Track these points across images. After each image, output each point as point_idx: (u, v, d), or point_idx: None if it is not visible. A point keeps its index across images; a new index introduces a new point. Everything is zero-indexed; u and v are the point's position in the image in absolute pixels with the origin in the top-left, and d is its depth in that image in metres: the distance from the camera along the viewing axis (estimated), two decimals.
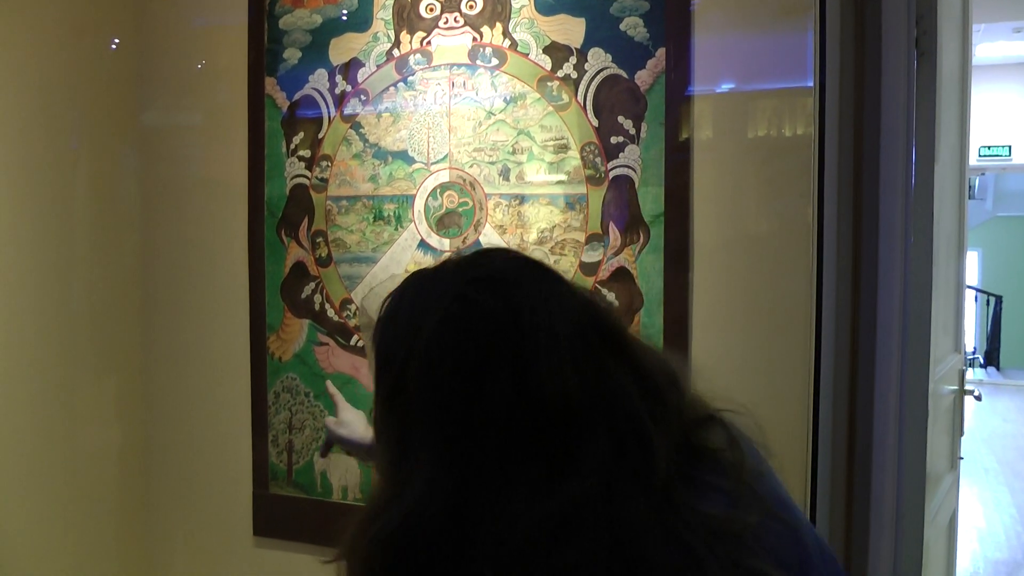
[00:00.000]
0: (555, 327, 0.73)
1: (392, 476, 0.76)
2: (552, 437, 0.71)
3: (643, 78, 1.72)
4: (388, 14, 1.90)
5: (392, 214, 1.91)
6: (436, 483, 0.71)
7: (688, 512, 0.71)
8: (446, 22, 1.86)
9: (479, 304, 0.74)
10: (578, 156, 1.77)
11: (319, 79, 1.96)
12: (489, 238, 1.83)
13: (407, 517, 0.71)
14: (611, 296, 1.75)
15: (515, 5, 1.80)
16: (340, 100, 1.95)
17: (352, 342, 1.96)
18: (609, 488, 0.70)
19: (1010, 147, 7.98)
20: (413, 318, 0.77)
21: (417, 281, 0.81)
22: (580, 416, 0.72)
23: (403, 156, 1.90)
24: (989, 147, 7.96)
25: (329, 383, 1.60)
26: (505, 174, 1.82)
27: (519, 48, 1.80)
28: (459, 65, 1.85)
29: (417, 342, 0.75)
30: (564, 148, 1.77)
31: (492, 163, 1.83)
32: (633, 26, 1.72)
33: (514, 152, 1.81)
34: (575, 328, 0.75)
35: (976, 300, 11.09)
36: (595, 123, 1.75)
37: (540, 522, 0.68)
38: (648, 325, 1.72)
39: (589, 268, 1.77)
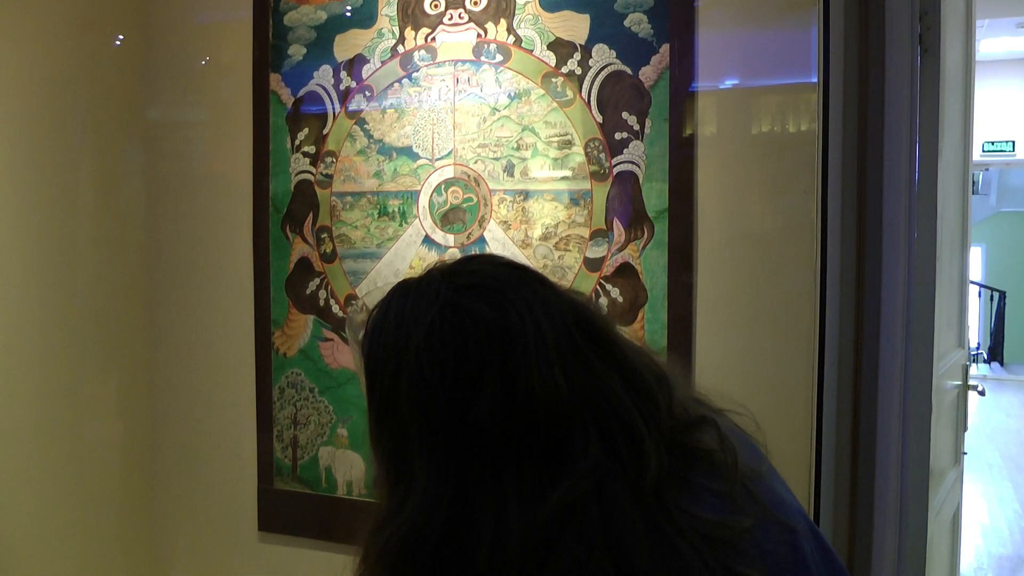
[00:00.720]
0: (543, 331, 0.73)
1: (392, 486, 0.76)
2: (543, 441, 0.71)
3: (647, 74, 1.72)
4: (393, 10, 1.90)
5: (397, 210, 1.92)
6: (433, 493, 0.71)
7: (681, 516, 0.70)
8: (451, 18, 1.86)
9: (467, 311, 0.74)
10: (582, 152, 1.77)
11: (324, 75, 1.97)
12: (493, 234, 1.84)
13: (410, 530, 0.71)
14: (615, 292, 1.76)
15: (519, 1, 1.80)
16: (345, 96, 1.95)
17: None
18: (601, 491, 0.70)
19: (1014, 142, 7.96)
20: (401, 328, 0.76)
21: (403, 291, 0.80)
22: (570, 419, 0.72)
23: (408, 152, 1.90)
24: (993, 143, 7.94)
25: None
26: (509, 170, 1.82)
27: (523, 44, 1.80)
28: (464, 61, 1.85)
29: (406, 352, 0.74)
30: (568, 144, 1.78)
31: (496, 159, 1.83)
32: (637, 22, 1.72)
33: (518, 148, 1.81)
34: (563, 331, 0.75)
35: (980, 296, 11.08)
36: (599, 119, 1.75)
37: (534, 527, 0.68)
38: (652, 320, 1.73)
39: (593, 264, 1.77)
